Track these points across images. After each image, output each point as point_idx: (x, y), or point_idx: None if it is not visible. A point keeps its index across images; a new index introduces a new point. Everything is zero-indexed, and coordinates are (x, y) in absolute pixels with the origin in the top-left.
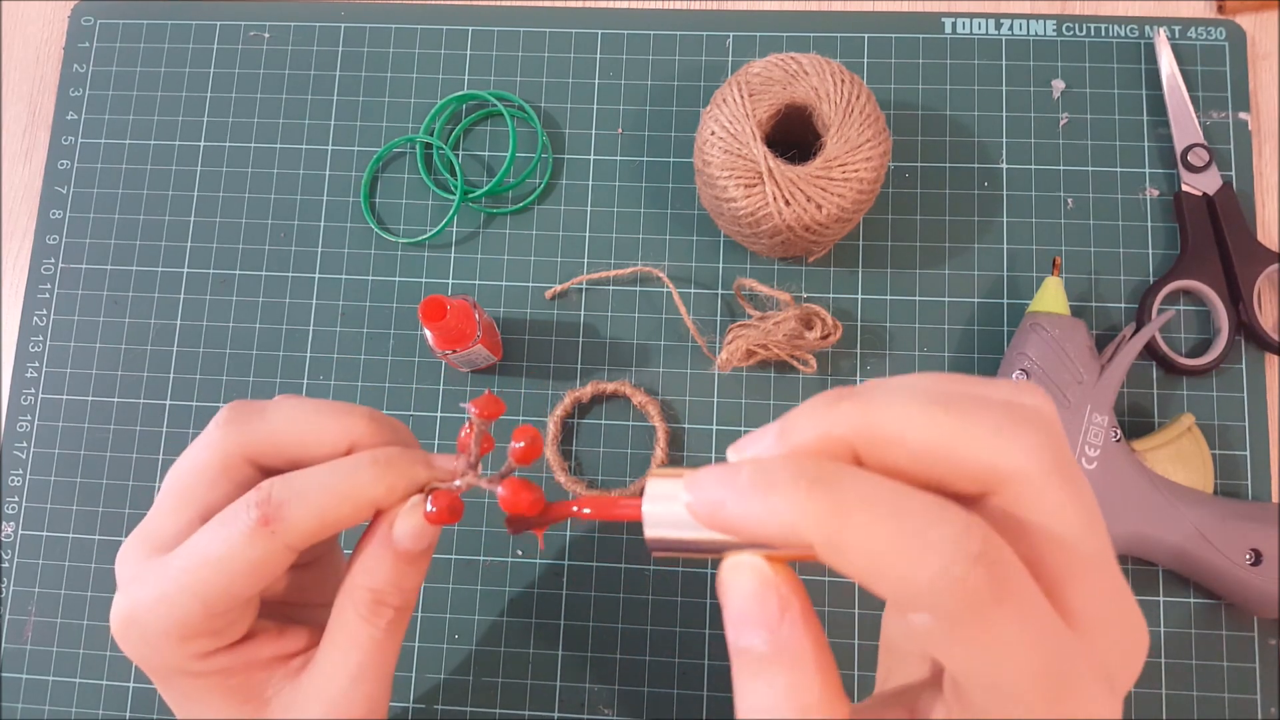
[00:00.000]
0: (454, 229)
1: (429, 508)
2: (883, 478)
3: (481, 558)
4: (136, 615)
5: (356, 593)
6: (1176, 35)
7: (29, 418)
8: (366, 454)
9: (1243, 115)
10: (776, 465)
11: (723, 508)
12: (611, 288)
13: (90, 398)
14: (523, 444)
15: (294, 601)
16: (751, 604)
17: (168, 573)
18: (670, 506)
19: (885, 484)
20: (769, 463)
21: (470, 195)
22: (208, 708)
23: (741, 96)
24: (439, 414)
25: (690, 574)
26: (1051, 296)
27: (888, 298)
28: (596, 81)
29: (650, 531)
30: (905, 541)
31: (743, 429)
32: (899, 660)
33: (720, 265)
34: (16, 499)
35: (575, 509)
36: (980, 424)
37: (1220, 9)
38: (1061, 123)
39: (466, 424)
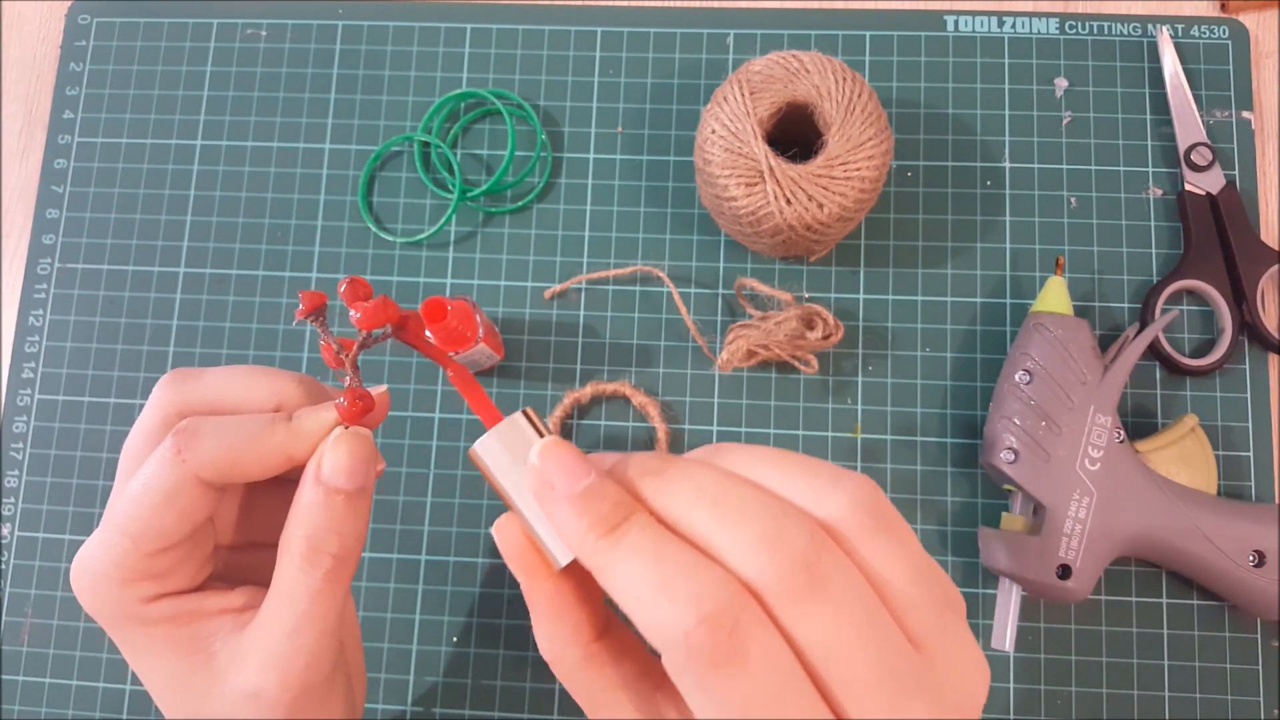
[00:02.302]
0: (452, 228)
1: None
2: (662, 532)
3: (480, 560)
4: (82, 562)
5: (293, 542)
6: (1180, 34)
7: (25, 418)
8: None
9: (1246, 114)
10: (599, 497)
11: (547, 492)
12: (611, 287)
13: (87, 398)
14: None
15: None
16: (509, 561)
17: (106, 517)
18: (509, 446)
19: (662, 536)
20: (597, 490)
21: (469, 194)
22: (157, 657)
23: (742, 94)
24: (437, 414)
25: None
26: (1054, 296)
27: (890, 297)
28: (596, 79)
29: (480, 448)
30: (655, 592)
31: (743, 429)
32: None
33: (721, 265)
34: (12, 500)
35: (449, 371)
36: (806, 479)
37: (1223, 7)
38: (1064, 121)
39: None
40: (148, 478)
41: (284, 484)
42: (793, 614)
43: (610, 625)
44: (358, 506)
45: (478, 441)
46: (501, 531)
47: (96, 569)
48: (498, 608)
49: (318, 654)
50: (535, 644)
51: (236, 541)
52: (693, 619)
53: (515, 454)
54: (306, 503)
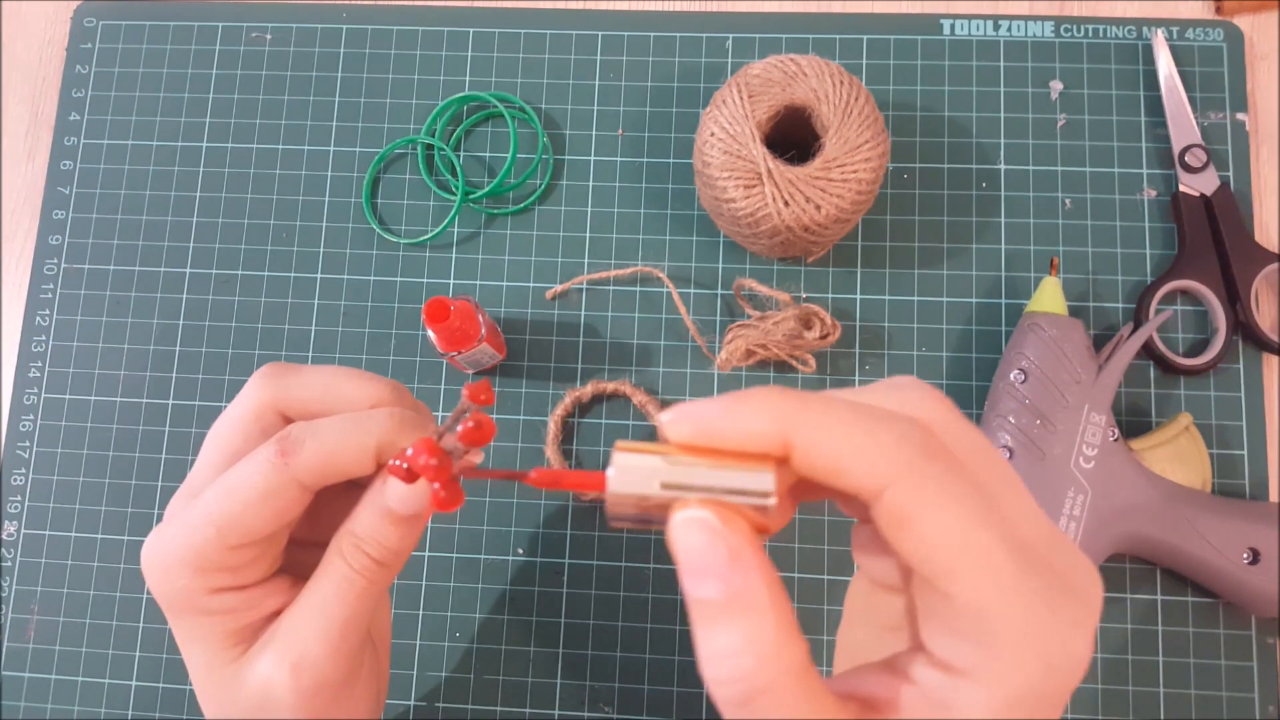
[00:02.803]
0: (455, 230)
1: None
2: (838, 393)
3: (482, 556)
4: (160, 544)
5: (343, 538)
6: (1174, 36)
7: (32, 417)
8: (384, 409)
9: (1240, 116)
10: (747, 392)
11: (709, 421)
12: (612, 288)
13: (93, 397)
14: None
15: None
16: (703, 555)
17: (193, 506)
18: (634, 474)
19: (837, 395)
20: (738, 393)
21: (471, 196)
22: (203, 646)
23: (741, 98)
24: (439, 414)
25: None
26: (1049, 297)
27: (886, 298)
28: (597, 83)
29: (616, 494)
30: (866, 422)
31: None
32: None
33: (720, 265)
34: (19, 498)
35: (531, 477)
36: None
37: (1218, 10)
38: (1059, 124)
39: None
40: (247, 475)
41: (355, 486)
42: (923, 494)
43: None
44: (409, 526)
45: (609, 496)
46: (697, 512)
47: (173, 553)
48: (500, 603)
49: (338, 651)
50: (536, 640)
51: (304, 538)
52: (915, 428)
53: (645, 475)
54: (365, 510)
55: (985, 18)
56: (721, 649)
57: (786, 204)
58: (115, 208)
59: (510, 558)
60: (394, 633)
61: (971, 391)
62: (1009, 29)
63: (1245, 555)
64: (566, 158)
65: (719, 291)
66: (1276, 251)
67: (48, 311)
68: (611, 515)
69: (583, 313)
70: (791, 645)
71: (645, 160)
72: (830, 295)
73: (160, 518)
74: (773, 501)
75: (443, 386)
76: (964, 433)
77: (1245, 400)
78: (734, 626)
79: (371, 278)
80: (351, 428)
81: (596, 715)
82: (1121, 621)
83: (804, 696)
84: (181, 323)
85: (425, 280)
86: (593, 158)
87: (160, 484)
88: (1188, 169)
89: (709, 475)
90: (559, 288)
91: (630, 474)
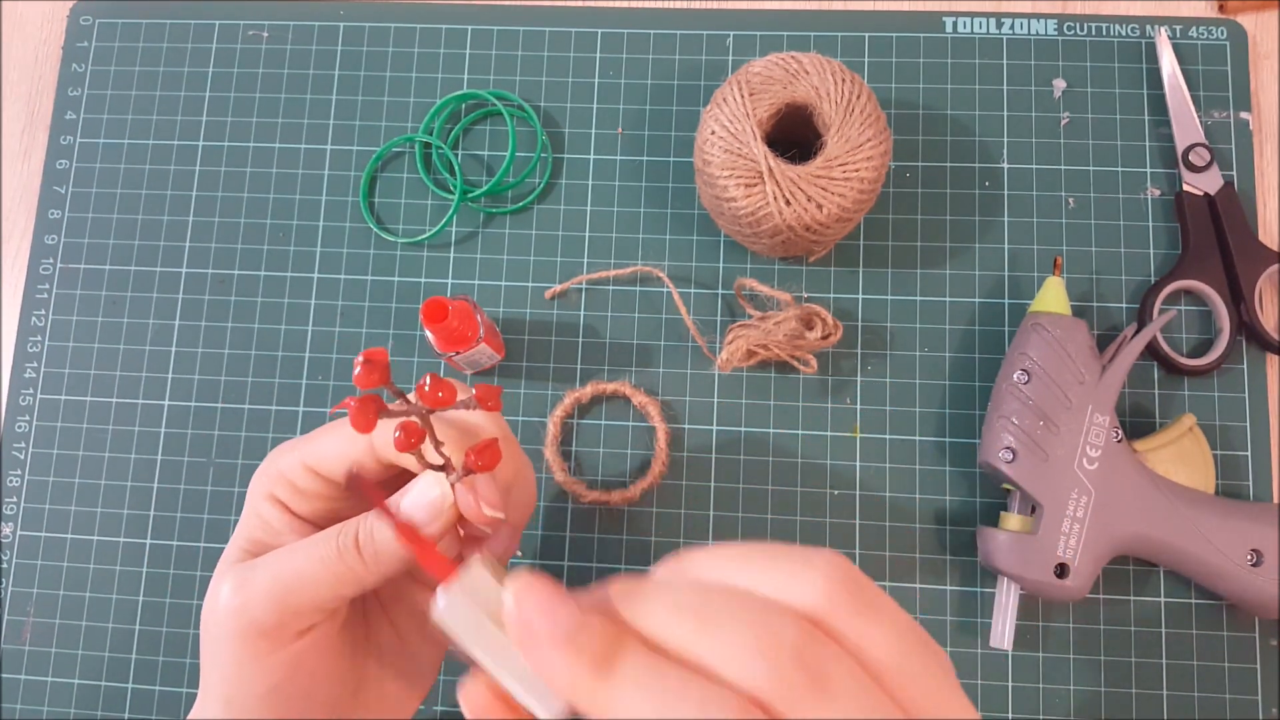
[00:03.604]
0: (453, 229)
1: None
2: (656, 657)
3: None
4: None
5: (355, 521)
6: (1178, 35)
7: (27, 418)
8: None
9: (1244, 115)
10: (587, 633)
11: (529, 639)
12: (611, 288)
13: (89, 398)
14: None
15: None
16: None
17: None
18: (475, 598)
19: (658, 662)
20: (583, 626)
21: (469, 195)
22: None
23: (742, 96)
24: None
25: None
26: (1053, 296)
27: (889, 297)
28: (596, 81)
29: (444, 611)
30: (735, 649)
31: (743, 429)
32: None
33: (720, 265)
34: (15, 499)
35: (394, 522)
36: (776, 568)
37: (1221, 8)
38: (1063, 122)
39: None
40: (344, 424)
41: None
42: (798, 716)
43: None
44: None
45: (438, 601)
46: (471, 696)
47: (269, 460)
48: None
49: (285, 610)
50: None
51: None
52: (790, 663)
53: (481, 605)
54: (375, 515)
55: (988, 15)
56: None
57: (788, 203)
58: (111, 207)
59: (510, 560)
60: None
61: (974, 392)
62: (1012, 27)
63: (1249, 557)
64: (566, 156)
65: (719, 291)
66: (1279, 251)
67: (43, 311)
68: (432, 618)
69: (582, 313)
70: None
71: (645, 159)
72: (832, 295)
73: (155, 519)
74: None
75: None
76: (854, 619)
77: (1249, 401)
78: None
79: (369, 277)
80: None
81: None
82: (1125, 623)
83: None
84: (178, 323)
85: (423, 280)
86: (592, 156)
87: (156, 485)
88: (1191, 168)
89: (512, 670)
90: (558, 287)
91: (463, 599)
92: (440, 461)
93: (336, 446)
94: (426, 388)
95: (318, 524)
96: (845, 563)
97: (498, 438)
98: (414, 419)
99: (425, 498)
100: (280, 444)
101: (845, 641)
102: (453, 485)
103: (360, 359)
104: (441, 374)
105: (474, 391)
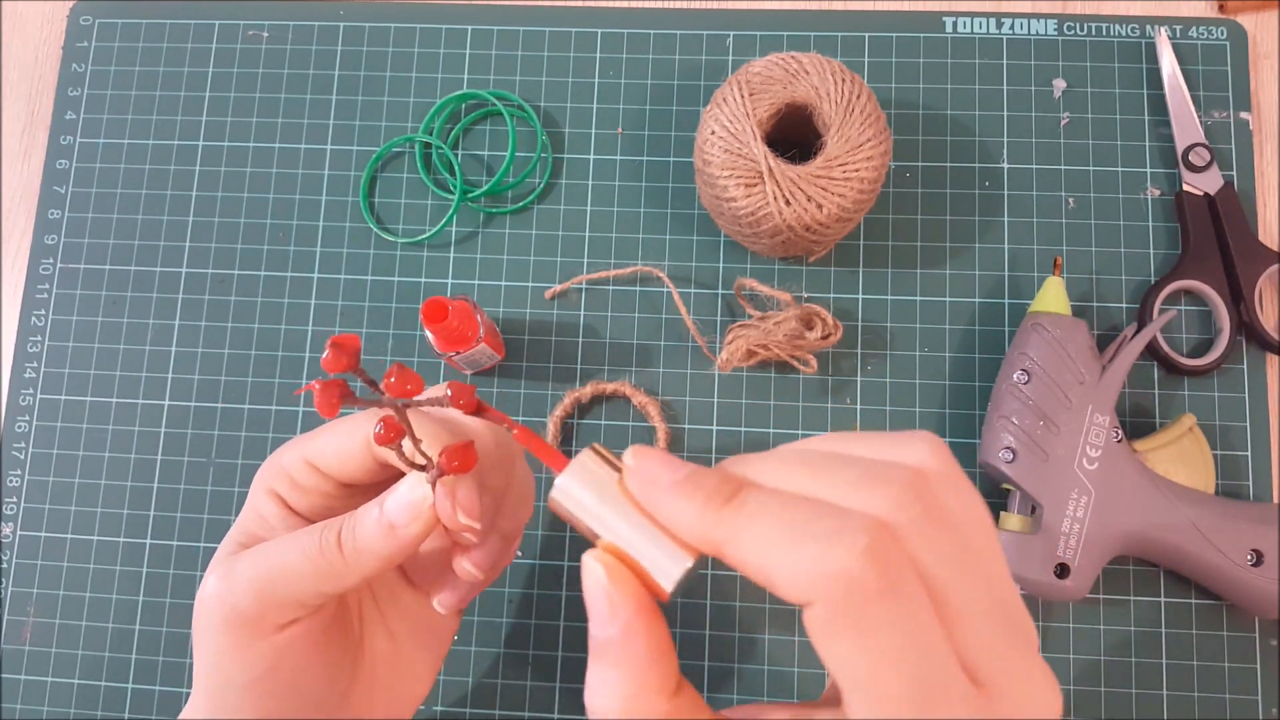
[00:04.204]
0: (453, 229)
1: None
2: (780, 490)
3: None
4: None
5: (335, 520)
6: (1178, 35)
7: (27, 418)
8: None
9: (1244, 115)
10: (704, 476)
11: (650, 488)
12: (611, 288)
13: (88, 398)
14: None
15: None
16: (593, 601)
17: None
18: (588, 484)
19: (782, 494)
20: (701, 472)
21: (469, 195)
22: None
23: (742, 96)
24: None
25: None
26: (1053, 296)
27: (889, 297)
28: (596, 81)
29: (559, 493)
30: (795, 539)
31: (743, 429)
32: None
33: (720, 265)
34: (15, 499)
35: (508, 425)
36: (881, 440)
37: (1221, 8)
38: (1063, 122)
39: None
40: (348, 421)
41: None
42: (917, 542)
43: (683, 684)
44: (384, 536)
45: (555, 486)
46: (594, 564)
47: (274, 456)
48: (499, 606)
49: (266, 599)
50: (535, 643)
51: (411, 578)
52: (848, 552)
53: (595, 490)
54: (363, 509)
55: (988, 15)
56: (592, 682)
57: (788, 203)
58: (111, 207)
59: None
60: None
61: (974, 392)
62: (1012, 26)
63: (1249, 557)
64: (565, 156)
65: (719, 291)
66: (1279, 251)
67: (43, 311)
68: (550, 503)
69: (582, 313)
70: (647, 697)
71: (645, 159)
72: (832, 295)
73: (155, 519)
74: (668, 590)
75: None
76: (958, 494)
77: (1249, 401)
78: (603, 668)
79: (369, 277)
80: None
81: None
82: (1125, 624)
83: None
84: (177, 323)
85: (423, 280)
86: (592, 156)
87: (156, 485)
88: (1191, 168)
89: (635, 528)
90: (558, 287)
91: (580, 480)
92: (423, 462)
93: (336, 443)
94: (393, 379)
95: (313, 521)
96: (941, 442)
97: (473, 440)
98: (391, 413)
99: (407, 498)
100: (286, 442)
101: (944, 500)
102: (432, 485)
103: (330, 343)
104: (442, 375)
105: (449, 391)
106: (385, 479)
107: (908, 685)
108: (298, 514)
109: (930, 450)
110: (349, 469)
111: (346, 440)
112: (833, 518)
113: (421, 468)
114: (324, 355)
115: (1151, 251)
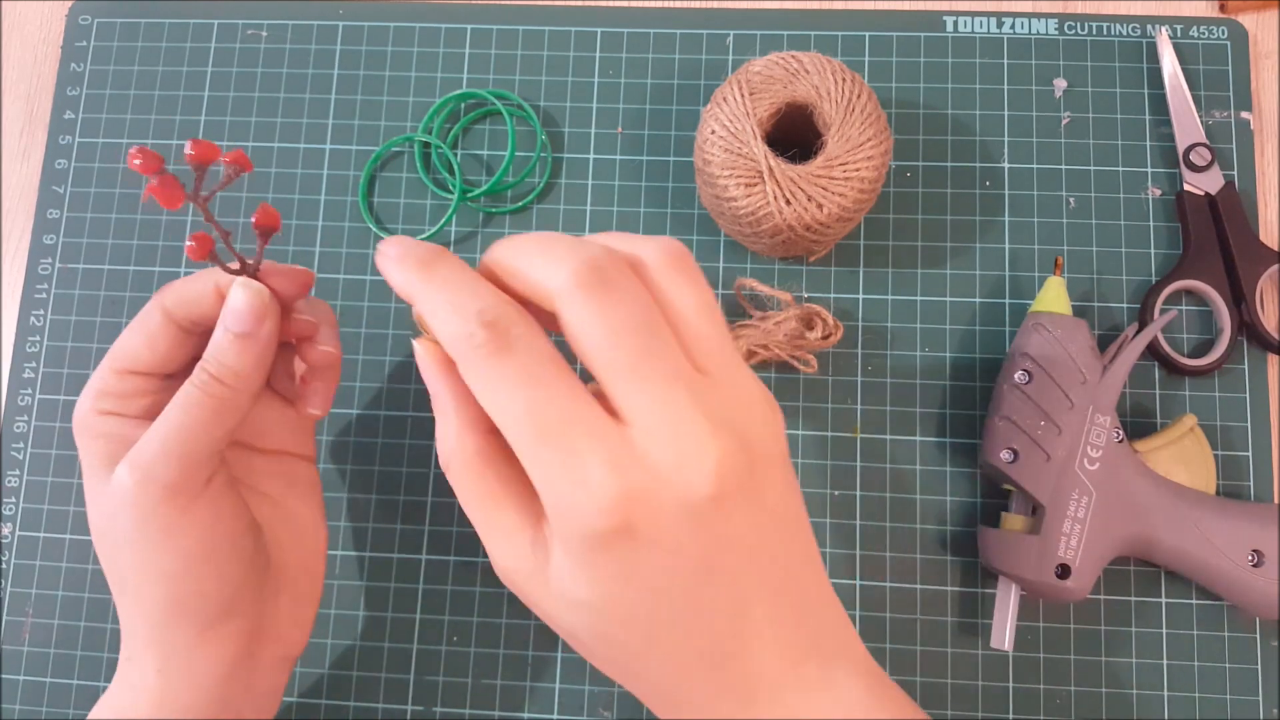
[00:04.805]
0: (453, 228)
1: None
2: (466, 267)
3: (480, 559)
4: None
5: (195, 369)
6: (1178, 34)
7: (26, 418)
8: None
9: (1245, 115)
10: (412, 246)
11: (380, 258)
12: None
13: None
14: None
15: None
16: (430, 358)
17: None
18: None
19: (464, 269)
20: (409, 243)
21: (469, 194)
22: (89, 467)
23: (742, 95)
24: None
25: None
26: (1053, 296)
27: (889, 297)
28: (596, 80)
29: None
30: (449, 310)
31: None
32: None
33: (720, 265)
34: (14, 500)
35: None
36: (539, 258)
37: (1222, 8)
38: (1064, 122)
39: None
40: (134, 319)
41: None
42: (572, 309)
43: (494, 429)
44: (244, 346)
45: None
46: (415, 344)
47: (84, 389)
48: (498, 607)
49: (173, 455)
50: (534, 644)
51: (259, 446)
52: (473, 323)
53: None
54: (211, 343)
55: (989, 14)
56: (437, 434)
57: (788, 202)
58: (110, 207)
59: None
60: (391, 636)
61: (975, 392)
62: (1012, 26)
63: (1250, 557)
64: (565, 156)
65: (720, 291)
66: None
67: (42, 311)
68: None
69: None
70: (466, 441)
71: (645, 158)
72: (832, 295)
73: None
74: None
75: None
76: (672, 281)
77: (1250, 401)
78: (439, 422)
79: (368, 277)
80: (202, 276)
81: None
82: (1126, 624)
83: (470, 478)
84: None
85: None
86: (592, 156)
87: None
88: (1192, 168)
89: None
90: None
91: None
92: (236, 266)
93: (133, 338)
94: (191, 150)
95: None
96: (682, 246)
97: (274, 212)
98: (208, 233)
99: (245, 303)
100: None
101: (655, 287)
102: (255, 271)
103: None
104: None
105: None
106: (189, 359)
107: (520, 425)
108: (138, 418)
109: (658, 248)
110: (159, 353)
111: (141, 329)
112: (479, 298)
113: (236, 271)
114: (135, 163)
115: (1152, 251)
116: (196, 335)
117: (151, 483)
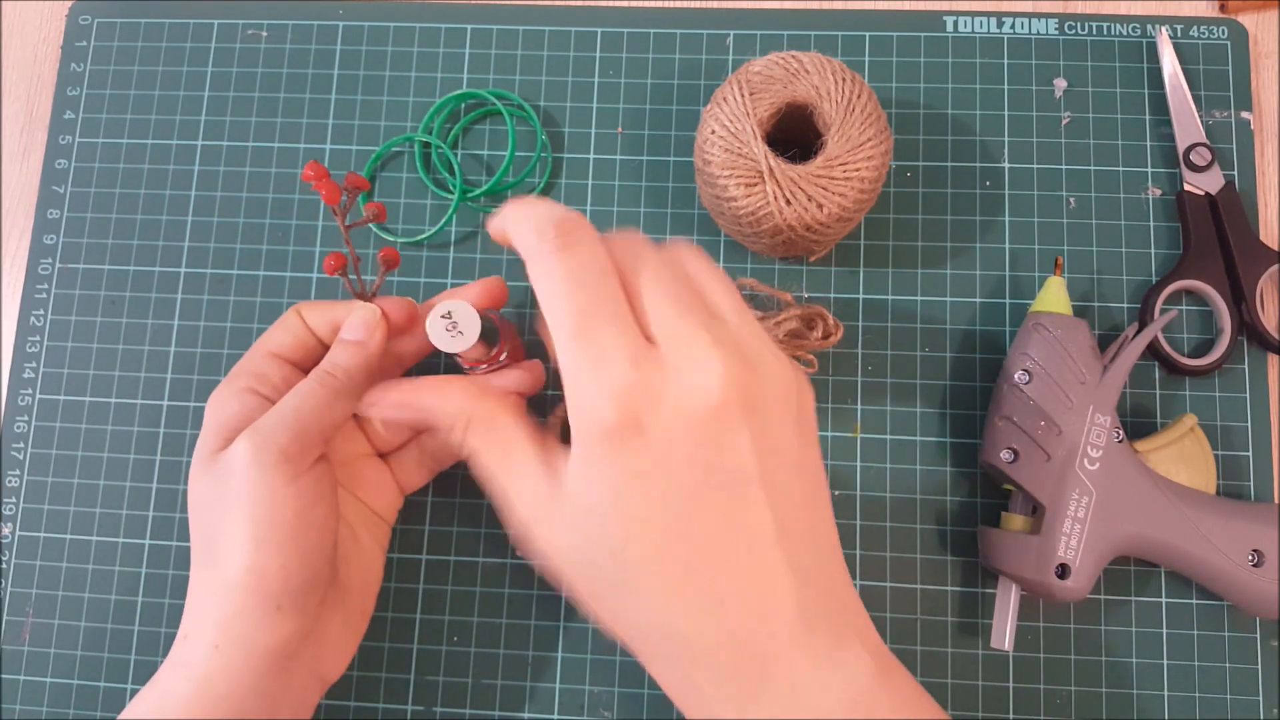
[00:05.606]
0: (453, 228)
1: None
2: (548, 201)
3: (480, 559)
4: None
5: (314, 369)
6: (1179, 34)
7: (26, 418)
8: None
9: (1245, 114)
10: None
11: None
12: None
13: (87, 398)
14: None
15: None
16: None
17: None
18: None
19: (540, 201)
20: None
21: (469, 195)
22: (203, 437)
23: (742, 95)
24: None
25: None
26: (1054, 296)
27: (889, 297)
28: (596, 80)
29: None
30: (523, 217)
31: None
32: None
33: (721, 265)
34: (14, 500)
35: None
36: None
37: (1222, 8)
38: (1064, 122)
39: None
40: (275, 322)
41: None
42: (535, 268)
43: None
44: (355, 350)
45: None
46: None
47: (231, 371)
48: (498, 607)
49: (293, 430)
50: (534, 644)
51: (352, 489)
52: (549, 224)
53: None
54: (332, 349)
55: (989, 14)
56: (434, 406)
57: (788, 203)
58: (110, 207)
59: (509, 560)
60: (391, 637)
61: (975, 392)
62: (1013, 26)
63: (1250, 557)
64: (565, 156)
65: None
66: None
67: (42, 311)
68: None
69: None
70: (487, 399)
71: (645, 158)
72: (832, 295)
73: (154, 520)
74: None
75: None
76: (698, 270)
77: (1250, 401)
78: (440, 397)
79: (369, 278)
80: (322, 302)
81: None
82: (1126, 624)
83: (488, 431)
84: (176, 323)
85: (423, 280)
86: (592, 156)
87: (155, 486)
88: (1192, 168)
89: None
90: None
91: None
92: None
93: (276, 331)
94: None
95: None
96: (698, 248)
97: (395, 252)
98: (344, 253)
99: (360, 318)
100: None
101: (693, 274)
102: (373, 295)
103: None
104: (441, 373)
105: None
106: (313, 364)
107: (566, 318)
108: (268, 400)
109: (683, 244)
110: (299, 339)
111: (288, 328)
112: (547, 205)
113: (360, 296)
114: (308, 176)
115: (1153, 251)
116: (318, 350)
117: (269, 446)
